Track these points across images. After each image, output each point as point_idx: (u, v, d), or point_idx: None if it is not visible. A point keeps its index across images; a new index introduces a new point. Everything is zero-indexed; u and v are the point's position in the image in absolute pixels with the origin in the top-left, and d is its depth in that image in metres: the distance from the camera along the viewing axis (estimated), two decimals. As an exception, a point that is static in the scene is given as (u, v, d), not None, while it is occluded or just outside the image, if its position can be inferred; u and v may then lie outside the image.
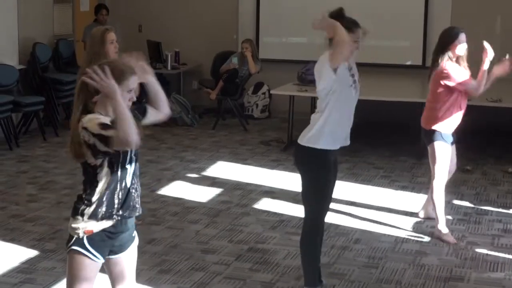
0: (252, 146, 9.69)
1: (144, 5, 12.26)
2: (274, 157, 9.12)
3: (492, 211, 7.09)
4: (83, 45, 10.67)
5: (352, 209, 7.10)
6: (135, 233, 3.92)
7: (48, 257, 5.82)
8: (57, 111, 10.33)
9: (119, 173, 3.69)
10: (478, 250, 6.07)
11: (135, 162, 3.84)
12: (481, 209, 7.15)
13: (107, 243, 3.73)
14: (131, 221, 3.82)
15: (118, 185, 3.69)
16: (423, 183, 7.85)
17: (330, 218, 6.19)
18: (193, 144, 9.79)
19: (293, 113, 9.46)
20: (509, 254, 5.99)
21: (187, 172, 8.37)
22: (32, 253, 5.90)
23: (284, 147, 9.45)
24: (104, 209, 3.68)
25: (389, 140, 9.98)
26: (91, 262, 3.69)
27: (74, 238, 3.71)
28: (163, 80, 11.70)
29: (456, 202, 7.33)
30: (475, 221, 6.79)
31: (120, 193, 3.70)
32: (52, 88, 10.18)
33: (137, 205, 3.79)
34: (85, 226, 3.70)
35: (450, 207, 7.15)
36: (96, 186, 3.68)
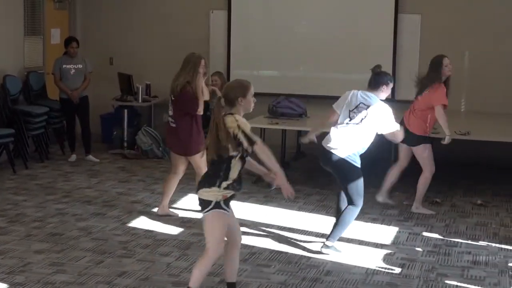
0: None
1: (115, 37, 12.28)
2: (245, 190, 9.05)
3: (461, 243, 7.15)
4: (53, 78, 10.67)
5: (323, 241, 7.11)
6: None
7: (17, 290, 5.77)
8: (27, 143, 10.27)
9: (241, 163, 5.22)
10: (448, 281, 6.11)
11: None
12: (451, 241, 7.21)
13: (228, 204, 5.26)
14: None
15: (239, 169, 5.23)
16: (392, 215, 7.91)
17: (301, 250, 6.22)
18: (164, 176, 9.74)
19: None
20: (478, 286, 6.04)
21: (158, 204, 8.33)
22: (1, 286, 5.83)
23: (256, 180, 9.45)
24: (230, 182, 5.18)
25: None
26: (227, 216, 5.23)
27: (214, 203, 5.16)
28: (134, 113, 11.71)
29: (425, 234, 7.38)
30: (444, 253, 6.84)
31: (239, 174, 5.23)
32: (22, 120, 10.13)
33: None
34: (222, 193, 5.17)
35: (420, 239, 7.21)
36: (230, 169, 5.18)
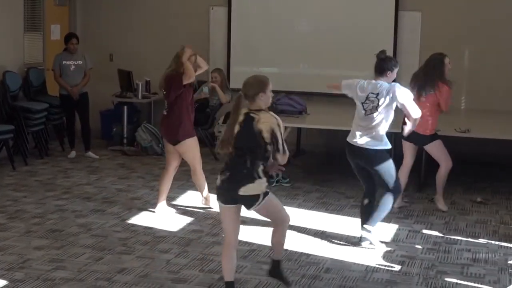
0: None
1: (115, 34, 12.27)
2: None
3: (461, 240, 7.15)
4: (53, 74, 10.66)
5: (323, 238, 7.13)
6: None
7: (17, 287, 5.76)
8: (26, 139, 10.26)
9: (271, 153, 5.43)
10: (448, 279, 6.11)
11: None
12: (450, 238, 7.21)
13: None
14: None
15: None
16: (392, 213, 7.89)
17: (300, 247, 6.23)
18: (164, 173, 9.76)
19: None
20: (478, 283, 6.05)
21: (157, 201, 8.33)
22: (0, 283, 5.83)
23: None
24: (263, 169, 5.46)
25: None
26: (275, 198, 5.59)
27: (262, 195, 5.40)
28: (133, 109, 11.70)
29: (425, 231, 7.39)
30: (444, 251, 6.84)
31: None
32: (22, 116, 10.12)
33: None
34: (264, 180, 5.43)
35: (419, 237, 7.21)
36: (266, 159, 5.41)
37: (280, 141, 5.35)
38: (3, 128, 9.65)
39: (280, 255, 5.80)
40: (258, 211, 5.52)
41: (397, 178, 6.88)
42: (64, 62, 10.55)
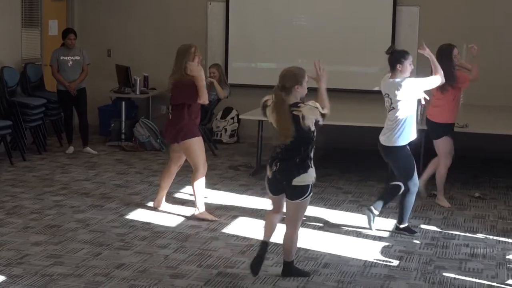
0: (221, 171, 9.70)
1: (113, 29, 12.26)
2: (243, 182, 9.13)
3: (459, 235, 7.16)
4: (50, 69, 10.64)
5: (321, 233, 7.13)
6: None
7: (15, 282, 5.75)
8: (24, 135, 10.25)
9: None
10: (446, 274, 6.11)
11: None
12: (449, 233, 7.21)
13: None
14: None
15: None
16: (391, 208, 7.89)
17: (299, 242, 6.21)
18: (162, 168, 9.72)
19: (261, 138, 9.48)
20: (476, 278, 6.05)
21: (155, 196, 8.33)
22: (-2, 278, 5.84)
23: (253, 172, 9.46)
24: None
25: (357, 165, 10.05)
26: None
27: (311, 185, 5.65)
28: (131, 105, 11.70)
29: (423, 226, 7.39)
30: (442, 246, 6.84)
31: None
32: (20, 112, 10.11)
33: None
34: (314, 170, 5.64)
35: (418, 232, 7.20)
36: (313, 145, 5.62)
37: (321, 121, 5.59)
38: (1, 123, 9.64)
39: (291, 257, 5.98)
40: (296, 205, 5.69)
41: (414, 177, 6.93)
42: (61, 58, 10.53)
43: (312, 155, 5.65)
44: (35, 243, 6.67)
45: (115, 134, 11.31)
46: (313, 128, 5.57)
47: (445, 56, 7.78)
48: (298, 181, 5.59)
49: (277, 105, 5.66)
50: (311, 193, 5.71)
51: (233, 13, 11.72)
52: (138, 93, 11.35)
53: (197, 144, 7.50)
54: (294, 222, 5.80)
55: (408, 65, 6.79)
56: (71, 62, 10.55)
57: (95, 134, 11.54)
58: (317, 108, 5.57)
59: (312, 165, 5.64)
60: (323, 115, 5.58)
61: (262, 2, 11.68)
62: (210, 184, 8.88)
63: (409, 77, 6.83)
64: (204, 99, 7.39)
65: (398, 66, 6.78)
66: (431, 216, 7.75)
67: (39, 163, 9.98)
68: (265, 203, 8.17)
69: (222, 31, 11.78)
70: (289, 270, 5.94)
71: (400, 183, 7.04)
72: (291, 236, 5.83)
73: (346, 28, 11.36)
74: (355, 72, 11.46)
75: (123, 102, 11.26)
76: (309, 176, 5.63)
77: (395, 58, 6.83)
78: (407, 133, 6.83)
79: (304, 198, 5.65)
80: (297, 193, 5.64)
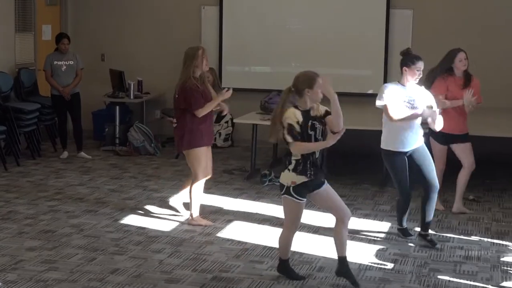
0: (215, 175, 9.66)
1: (107, 34, 12.25)
2: (237, 186, 9.13)
3: (453, 238, 7.17)
4: (44, 74, 10.63)
5: (315, 237, 7.13)
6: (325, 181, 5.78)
7: (9, 288, 5.76)
8: (18, 140, 10.23)
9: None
10: (441, 277, 6.12)
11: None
12: (443, 236, 7.22)
13: (301, 192, 5.69)
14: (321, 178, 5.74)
15: (310, 154, 5.62)
16: (385, 211, 7.92)
17: (293, 246, 6.22)
18: (156, 173, 9.77)
19: (256, 142, 9.49)
20: (471, 280, 6.05)
21: (150, 201, 8.34)
22: (-7, 284, 5.83)
23: (247, 176, 9.46)
24: (294, 165, 5.64)
25: (351, 168, 10.05)
26: (295, 203, 5.73)
27: (285, 187, 5.67)
28: (126, 109, 11.69)
29: (418, 229, 7.38)
30: (437, 248, 6.84)
31: (308, 160, 5.62)
32: (14, 117, 10.09)
33: (322, 168, 5.70)
34: (291, 177, 5.65)
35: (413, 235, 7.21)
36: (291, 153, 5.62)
37: (287, 136, 5.61)
38: (-5, 129, 9.63)
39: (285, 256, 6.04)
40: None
41: (404, 185, 6.87)
42: (55, 63, 10.53)
43: (293, 160, 5.65)
44: (29, 249, 6.66)
45: (109, 138, 11.30)
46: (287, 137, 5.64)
47: (446, 58, 7.83)
48: (280, 177, 5.77)
49: (280, 103, 5.71)
50: (291, 197, 5.69)
51: (227, 17, 11.73)
52: (132, 97, 11.34)
53: (197, 154, 7.38)
54: (285, 220, 5.96)
55: (416, 70, 6.65)
56: (64, 67, 10.54)
57: (89, 139, 11.53)
58: (289, 123, 5.59)
59: (290, 170, 5.65)
60: (287, 135, 5.62)
61: (255, 6, 11.69)
62: (205, 189, 8.85)
63: (419, 84, 6.75)
64: (199, 113, 7.26)
65: (404, 69, 6.69)
66: (426, 219, 7.75)
67: (33, 168, 9.96)
68: (260, 207, 8.18)
69: (216, 35, 11.78)
70: (282, 268, 6.04)
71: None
72: (281, 234, 6.00)
73: (339, 31, 11.37)
74: (348, 75, 11.46)
75: (117, 107, 11.25)
76: (284, 177, 5.70)
77: (402, 61, 6.74)
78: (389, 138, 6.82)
79: (282, 195, 5.75)
80: (280, 187, 5.79)
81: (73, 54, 10.71)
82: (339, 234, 5.83)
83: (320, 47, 11.40)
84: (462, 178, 7.94)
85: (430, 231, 7.16)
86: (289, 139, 5.60)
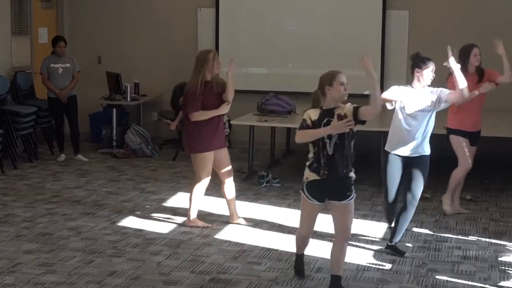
0: (213, 176, 9.66)
1: (103, 36, 12.25)
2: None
3: (451, 238, 7.17)
4: (41, 77, 10.63)
5: (313, 238, 7.12)
6: (352, 194, 5.66)
7: (7, 291, 5.75)
8: (15, 143, 10.22)
9: (320, 143, 5.50)
10: (439, 277, 6.12)
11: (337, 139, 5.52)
12: (441, 236, 7.22)
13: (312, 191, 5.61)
14: (341, 180, 5.58)
15: (320, 151, 5.50)
16: (383, 212, 7.90)
17: (292, 247, 6.22)
18: (154, 175, 9.76)
19: (253, 143, 9.49)
20: (469, 280, 6.06)
21: (147, 203, 8.34)
22: (-10, 287, 5.82)
23: (245, 177, 9.45)
24: (315, 165, 5.54)
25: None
26: (307, 202, 5.67)
27: (303, 183, 5.60)
28: (122, 112, 11.68)
29: (415, 229, 7.40)
30: (435, 248, 6.85)
31: (324, 158, 5.49)
32: (11, 120, 10.08)
33: (339, 170, 5.52)
34: (307, 174, 5.58)
35: (410, 235, 7.21)
36: (313, 146, 5.55)
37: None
38: (-8, 132, 9.61)
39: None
40: None
41: (388, 189, 6.78)
42: (52, 65, 10.52)
43: (309, 157, 5.60)
44: (27, 252, 6.65)
45: (106, 141, 11.29)
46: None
47: (461, 56, 7.74)
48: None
49: (312, 105, 5.67)
50: (303, 193, 5.66)
51: (223, 19, 11.73)
52: (129, 100, 11.33)
53: (201, 159, 7.32)
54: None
55: (430, 71, 6.52)
56: (61, 70, 10.53)
57: (86, 142, 11.52)
58: (303, 118, 5.58)
59: (306, 166, 5.60)
60: (302, 123, 5.58)
61: (251, 7, 11.70)
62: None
63: (429, 86, 6.61)
64: (193, 117, 7.16)
65: (415, 71, 6.57)
66: (423, 219, 7.76)
67: (30, 171, 9.95)
68: (257, 208, 8.18)
69: (212, 37, 11.78)
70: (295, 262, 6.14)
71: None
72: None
73: (335, 32, 11.37)
74: (345, 76, 11.43)
75: (114, 109, 11.25)
76: (304, 174, 5.65)
77: (413, 63, 6.63)
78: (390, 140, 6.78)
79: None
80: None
81: (69, 57, 10.71)
82: (334, 253, 5.73)
83: (317, 48, 11.40)
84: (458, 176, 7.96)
85: (427, 231, 7.17)
86: (297, 130, 5.58)
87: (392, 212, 6.96)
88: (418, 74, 6.57)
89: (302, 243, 6.00)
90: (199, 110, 7.17)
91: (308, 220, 5.80)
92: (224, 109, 7.33)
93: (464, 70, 7.45)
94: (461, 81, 6.64)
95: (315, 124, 5.51)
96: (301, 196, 5.71)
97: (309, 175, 5.59)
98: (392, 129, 6.73)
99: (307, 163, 5.59)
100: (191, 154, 7.39)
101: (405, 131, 6.58)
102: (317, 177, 5.54)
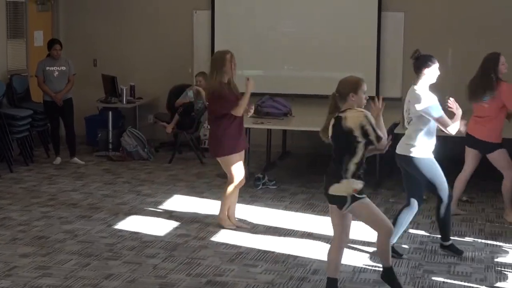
0: (209, 179, 9.68)
1: (99, 39, 12.24)
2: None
3: (447, 239, 7.17)
4: (36, 80, 10.62)
5: (309, 240, 7.13)
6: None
7: (3, 294, 5.74)
8: (11, 146, 10.20)
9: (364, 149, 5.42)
10: (435, 278, 6.12)
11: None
12: (437, 237, 7.21)
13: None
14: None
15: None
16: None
17: (288, 249, 6.23)
18: (150, 178, 9.75)
19: (249, 146, 9.48)
20: (465, 282, 6.06)
21: (143, 206, 8.33)
22: (-14, 291, 5.81)
23: (241, 180, 9.45)
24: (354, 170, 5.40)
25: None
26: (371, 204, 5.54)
27: (351, 195, 5.38)
28: (118, 114, 11.68)
29: (412, 231, 7.40)
30: (431, 250, 6.85)
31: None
32: (6, 123, 10.06)
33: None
34: (353, 182, 5.40)
35: (406, 236, 7.21)
36: (360, 158, 5.41)
37: (372, 135, 5.34)
38: (-13, 135, 9.60)
39: (387, 263, 5.78)
40: (354, 215, 5.57)
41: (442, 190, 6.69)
42: (47, 68, 10.50)
43: (352, 167, 5.39)
44: (23, 255, 6.64)
45: (102, 144, 11.28)
46: (358, 136, 5.35)
47: (490, 64, 7.61)
48: (332, 190, 5.47)
49: (329, 108, 5.60)
50: (359, 199, 5.43)
51: (219, 21, 11.72)
52: (124, 102, 11.32)
53: (231, 161, 7.35)
54: (370, 225, 5.71)
55: (437, 69, 6.42)
56: (57, 73, 10.52)
57: (82, 144, 11.50)
58: (365, 115, 5.37)
59: (349, 177, 5.38)
60: (374, 129, 5.35)
61: (247, 9, 11.70)
62: (197, 193, 8.89)
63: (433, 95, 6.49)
64: (237, 112, 7.22)
65: (425, 70, 6.43)
66: (419, 221, 7.76)
67: (26, 174, 9.94)
68: (254, 211, 8.18)
69: (208, 39, 11.78)
70: (385, 276, 5.83)
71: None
72: (377, 238, 5.74)
73: (331, 34, 11.38)
74: (340, 78, 11.40)
75: (110, 112, 11.24)
76: (343, 187, 5.41)
77: (422, 62, 6.46)
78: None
79: (347, 207, 5.45)
80: (337, 201, 5.49)
81: (65, 60, 10.69)
82: (331, 254, 5.66)
83: (312, 50, 11.41)
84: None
85: (423, 232, 7.16)
86: (380, 133, 5.40)
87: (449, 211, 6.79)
88: (427, 73, 6.44)
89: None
90: (236, 104, 7.20)
91: (381, 214, 5.65)
92: (252, 87, 7.36)
93: (489, 79, 7.51)
94: (455, 128, 6.56)
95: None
96: (358, 210, 5.48)
97: (357, 186, 5.42)
98: (425, 134, 6.47)
99: (346, 175, 5.40)
100: (221, 157, 7.38)
101: (435, 132, 6.56)
102: (361, 183, 5.47)
